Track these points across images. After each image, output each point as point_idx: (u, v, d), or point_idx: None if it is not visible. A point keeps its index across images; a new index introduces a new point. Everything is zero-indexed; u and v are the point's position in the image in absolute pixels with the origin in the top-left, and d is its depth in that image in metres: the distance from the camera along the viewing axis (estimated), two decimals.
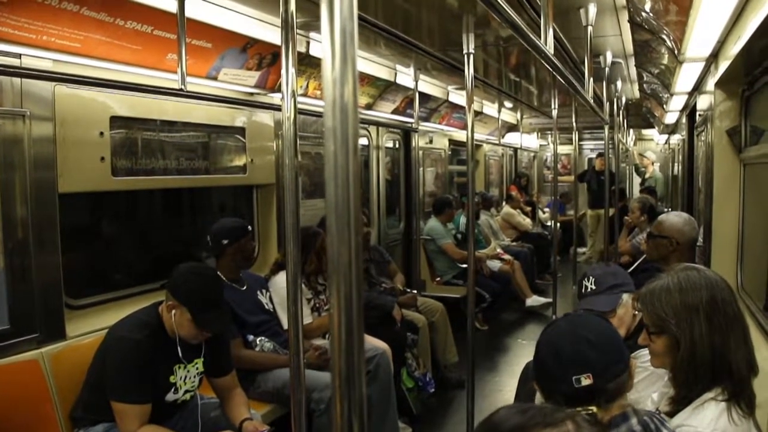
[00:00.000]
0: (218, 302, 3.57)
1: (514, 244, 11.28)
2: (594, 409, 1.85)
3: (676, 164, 12.37)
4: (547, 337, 2.03)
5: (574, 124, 9.58)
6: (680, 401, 2.19)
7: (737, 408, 2.07)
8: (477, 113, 10.59)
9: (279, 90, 5.29)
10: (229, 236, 4.55)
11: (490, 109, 11.18)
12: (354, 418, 0.99)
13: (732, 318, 2.19)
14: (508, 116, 12.50)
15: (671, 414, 2.18)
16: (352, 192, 0.95)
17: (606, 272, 3.39)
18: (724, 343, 2.15)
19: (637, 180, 16.13)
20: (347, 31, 0.94)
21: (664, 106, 9.13)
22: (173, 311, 3.41)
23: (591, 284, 3.31)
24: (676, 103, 8.12)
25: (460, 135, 10.62)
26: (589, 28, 4.62)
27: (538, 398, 2.89)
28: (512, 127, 13.74)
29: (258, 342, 4.53)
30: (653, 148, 17.64)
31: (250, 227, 4.68)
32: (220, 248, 4.55)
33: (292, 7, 2.41)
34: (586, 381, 1.85)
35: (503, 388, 6.41)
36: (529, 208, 13.57)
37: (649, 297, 2.29)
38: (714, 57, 4.79)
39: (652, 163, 15.03)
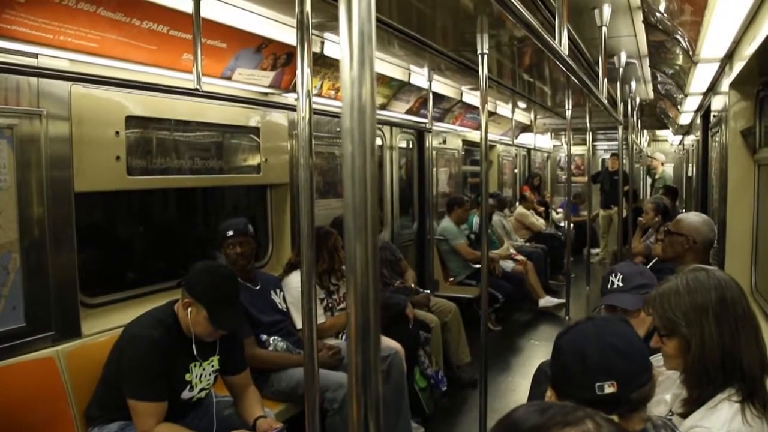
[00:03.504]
0: (234, 300, 3.59)
1: (527, 244, 11.22)
2: (615, 418, 1.81)
3: (690, 165, 12.34)
4: (571, 340, 1.95)
5: (588, 124, 9.55)
6: (693, 402, 2.18)
7: (751, 408, 2.07)
8: (491, 113, 10.57)
9: (293, 90, 5.30)
10: (218, 239, 4.65)
11: (503, 109, 11.17)
12: (370, 416, 1.00)
13: (742, 317, 2.19)
14: (522, 117, 12.48)
15: (684, 415, 2.18)
16: (369, 192, 0.96)
17: (634, 271, 3.34)
18: (734, 343, 2.15)
19: (650, 181, 16.08)
20: (365, 33, 0.94)
21: (679, 106, 9.12)
22: (189, 309, 3.42)
23: (618, 281, 3.27)
24: (691, 104, 8.10)
25: (474, 135, 10.58)
26: (604, 29, 4.61)
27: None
28: (526, 128, 13.72)
29: (271, 341, 4.54)
30: (666, 149, 17.59)
31: (231, 232, 4.57)
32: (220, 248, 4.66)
33: (308, 7, 2.42)
34: (609, 389, 1.79)
35: (516, 388, 6.40)
36: (542, 209, 13.53)
37: (659, 300, 2.29)
38: (729, 58, 4.78)
39: (662, 164, 14.99)
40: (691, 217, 4.26)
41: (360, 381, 0.99)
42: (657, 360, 2.45)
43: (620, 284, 3.25)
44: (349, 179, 0.96)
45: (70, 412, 3.56)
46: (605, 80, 4.85)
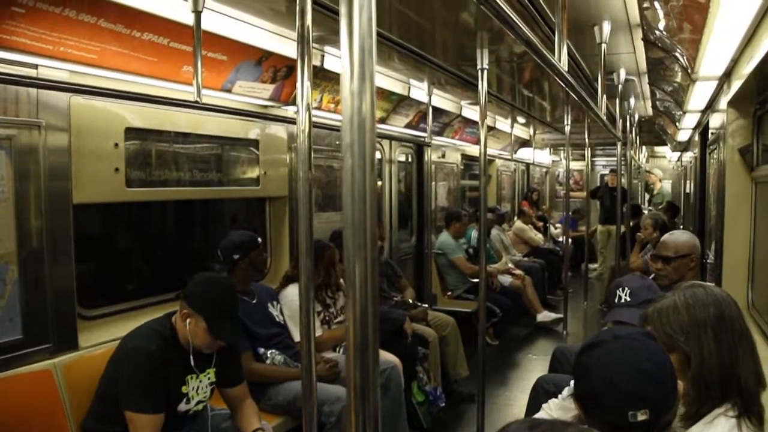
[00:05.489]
0: (233, 312, 3.58)
1: (525, 259, 11.23)
2: None
3: (688, 181, 12.36)
4: (599, 365, 1.88)
5: (587, 140, 9.59)
6: (691, 417, 2.18)
7: (747, 423, 2.07)
8: (490, 128, 10.60)
9: (293, 103, 5.31)
10: (239, 251, 4.57)
11: (502, 124, 11.19)
12: (368, 430, 1.00)
13: (739, 333, 2.20)
14: (521, 131, 12.51)
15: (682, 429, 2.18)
16: (369, 206, 0.96)
17: (642, 286, 3.33)
18: (732, 359, 2.15)
19: (647, 196, 16.10)
20: (366, 47, 0.95)
21: (677, 123, 9.14)
22: (188, 320, 3.41)
23: (626, 295, 3.26)
24: (689, 121, 8.13)
25: (473, 149, 10.59)
26: (603, 46, 4.63)
27: (546, 413, 2.88)
28: (525, 143, 13.74)
29: (269, 355, 4.53)
30: (664, 166, 17.62)
31: (260, 239, 4.69)
32: (232, 263, 4.57)
33: (309, 20, 2.42)
34: (642, 417, 1.75)
35: (513, 402, 6.39)
36: (540, 224, 13.55)
37: (657, 316, 2.30)
38: (727, 76, 4.80)
39: (660, 180, 15.00)
40: (684, 237, 4.26)
41: (358, 395, 0.99)
42: None
43: (628, 299, 3.25)
44: (349, 194, 0.96)
45: (67, 424, 3.54)
46: (604, 97, 4.87)
